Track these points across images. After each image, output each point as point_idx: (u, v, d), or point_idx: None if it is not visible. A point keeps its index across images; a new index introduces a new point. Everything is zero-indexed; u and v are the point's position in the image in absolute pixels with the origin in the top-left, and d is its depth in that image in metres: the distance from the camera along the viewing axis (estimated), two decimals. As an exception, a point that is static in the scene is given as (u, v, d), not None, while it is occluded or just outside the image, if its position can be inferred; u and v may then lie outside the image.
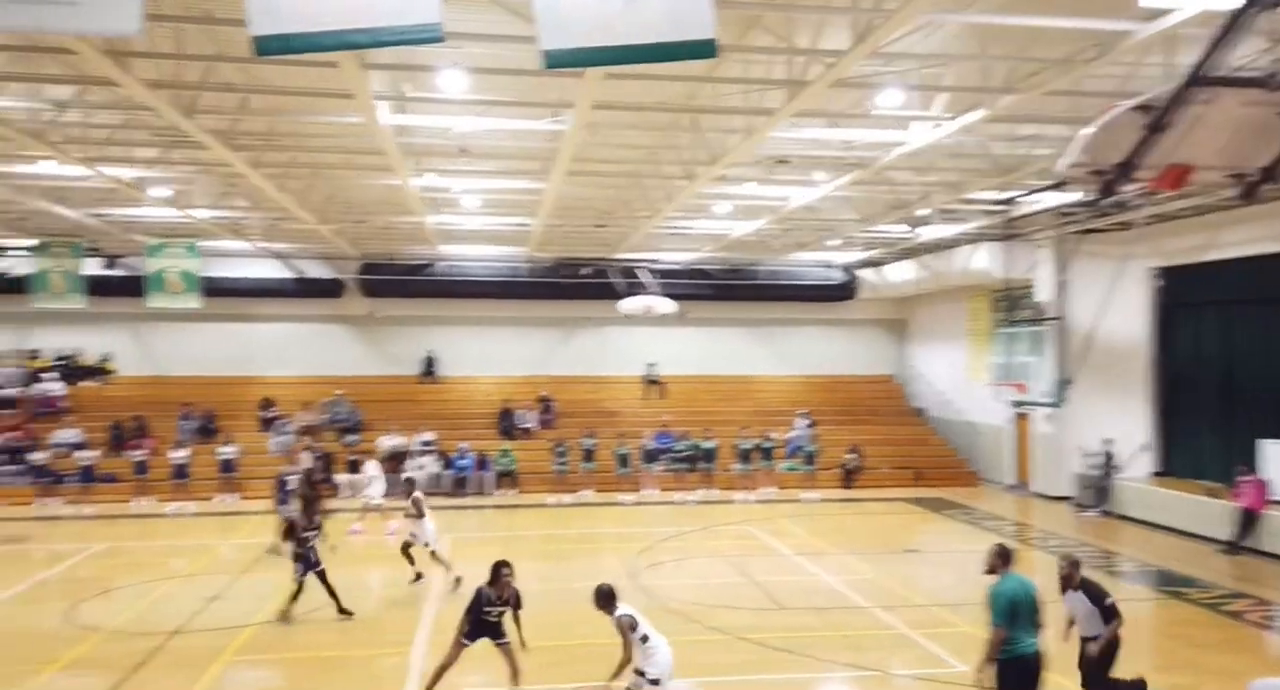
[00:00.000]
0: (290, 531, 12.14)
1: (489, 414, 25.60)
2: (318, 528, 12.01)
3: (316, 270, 25.98)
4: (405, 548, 13.96)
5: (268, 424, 24.22)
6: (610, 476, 23.27)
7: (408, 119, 12.07)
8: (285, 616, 11.63)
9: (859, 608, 12.60)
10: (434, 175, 15.52)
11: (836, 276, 28.14)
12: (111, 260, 23.33)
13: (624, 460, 23.38)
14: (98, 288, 22.08)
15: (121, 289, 22.92)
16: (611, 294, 25.80)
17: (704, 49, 5.04)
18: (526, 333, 27.70)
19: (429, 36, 4.89)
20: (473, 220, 20.22)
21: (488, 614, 8.49)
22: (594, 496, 22.61)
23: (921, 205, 17.68)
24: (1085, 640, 7.84)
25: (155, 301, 21.27)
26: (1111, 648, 7.76)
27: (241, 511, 20.25)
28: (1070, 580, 7.92)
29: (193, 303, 21.50)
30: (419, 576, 13.82)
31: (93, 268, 22.21)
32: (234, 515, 19.78)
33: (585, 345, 27.98)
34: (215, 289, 22.92)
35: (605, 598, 7.65)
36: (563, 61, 5.05)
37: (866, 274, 27.67)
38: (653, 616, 7.66)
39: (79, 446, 22.23)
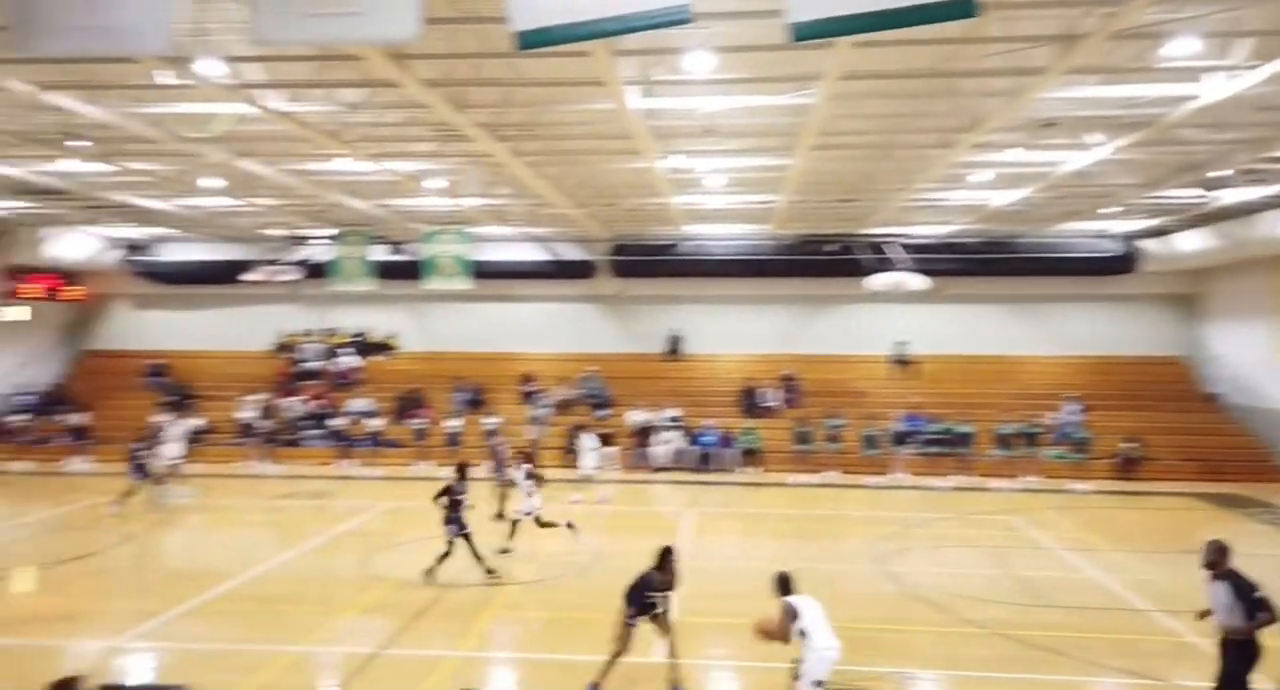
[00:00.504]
0: (446, 493, 12.48)
1: (732, 392, 25.82)
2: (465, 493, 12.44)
3: (571, 252, 27.28)
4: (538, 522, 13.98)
5: (527, 397, 25.87)
6: (855, 458, 22.76)
7: (655, 102, 12.31)
8: (430, 574, 12.29)
9: (1136, 610, 11.51)
10: (680, 156, 15.75)
11: (1113, 248, 25.55)
12: (395, 247, 25.75)
13: (872, 442, 22.73)
14: (384, 272, 24.49)
15: (403, 273, 25.28)
16: (858, 270, 25.06)
17: (963, 8, 4.72)
18: (770, 311, 27.58)
19: (678, 18, 4.94)
20: (717, 199, 20.35)
21: (650, 598, 8.68)
22: (838, 478, 22.21)
23: (1218, 166, 15.64)
24: (1226, 635, 7.17)
25: (431, 283, 23.32)
26: (1252, 647, 6.98)
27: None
28: (1215, 566, 7.24)
29: (464, 284, 23.35)
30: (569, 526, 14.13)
31: (380, 254, 24.62)
32: (574, 485, 21.16)
33: (831, 323, 27.42)
34: (483, 272, 24.70)
35: (781, 583, 7.84)
36: (811, 33, 4.92)
37: (1150, 245, 24.92)
38: (900, 605, 7.45)
39: (369, 415, 24.89)
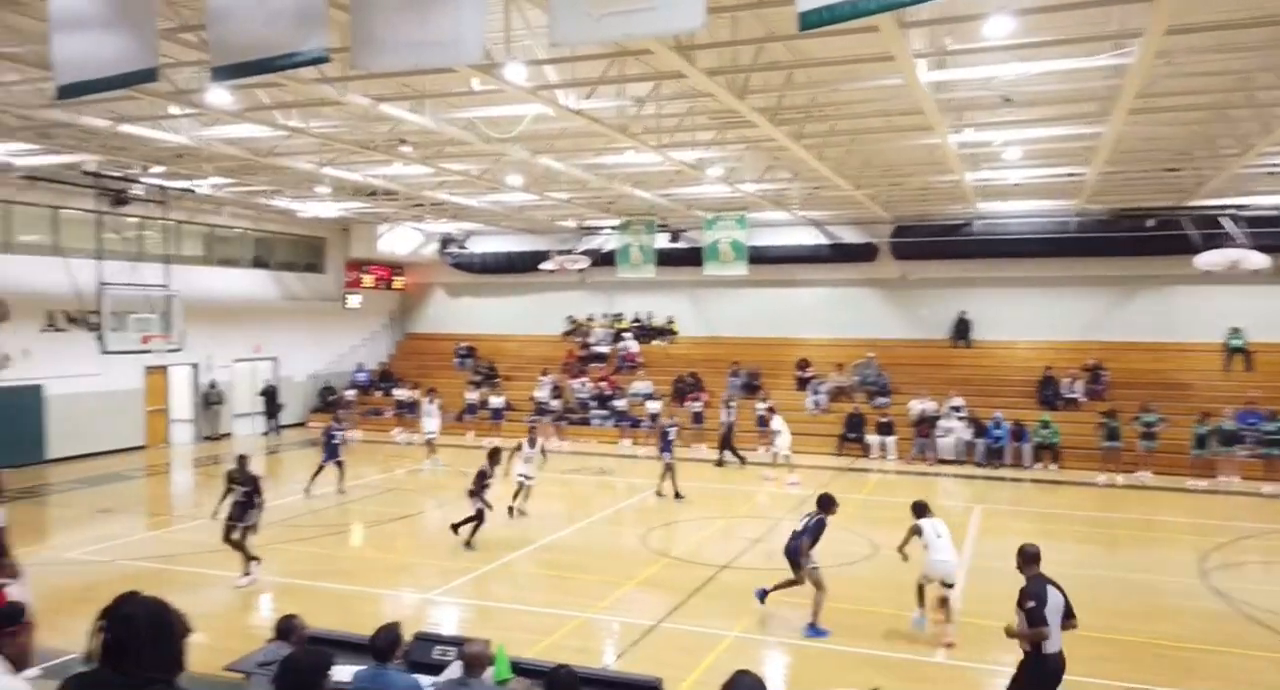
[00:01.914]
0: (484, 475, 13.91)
1: (1026, 381, 23.98)
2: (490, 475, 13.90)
3: (850, 235, 26.61)
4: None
5: (803, 383, 25.64)
6: (1173, 457, 20.27)
7: (947, 74, 11.64)
8: (469, 544, 13.49)
9: None
10: (972, 130, 14.81)
11: None
12: (675, 234, 26.51)
13: (1201, 441, 20.06)
14: (665, 259, 25.31)
15: (683, 259, 25.99)
16: (1183, 247, 22.26)
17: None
18: (1073, 294, 25.22)
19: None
20: (1015, 173, 18.91)
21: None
22: (1152, 479, 19.95)
23: None
24: None
25: (710, 269, 23.76)
26: None
27: (780, 464, 21.77)
28: None
29: (741, 270, 23.57)
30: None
31: (661, 242, 25.47)
32: (774, 466, 21.30)
33: (1147, 307, 24.57)
34: (760, 257, 24.80)
35: (916, 508, 9.36)
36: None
37: None
38: (1228, 625, 6.54)
39: (649, 397, 25.88)
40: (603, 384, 26.91)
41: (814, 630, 10.06)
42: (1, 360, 19.97)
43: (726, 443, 21.88)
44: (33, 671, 2.97)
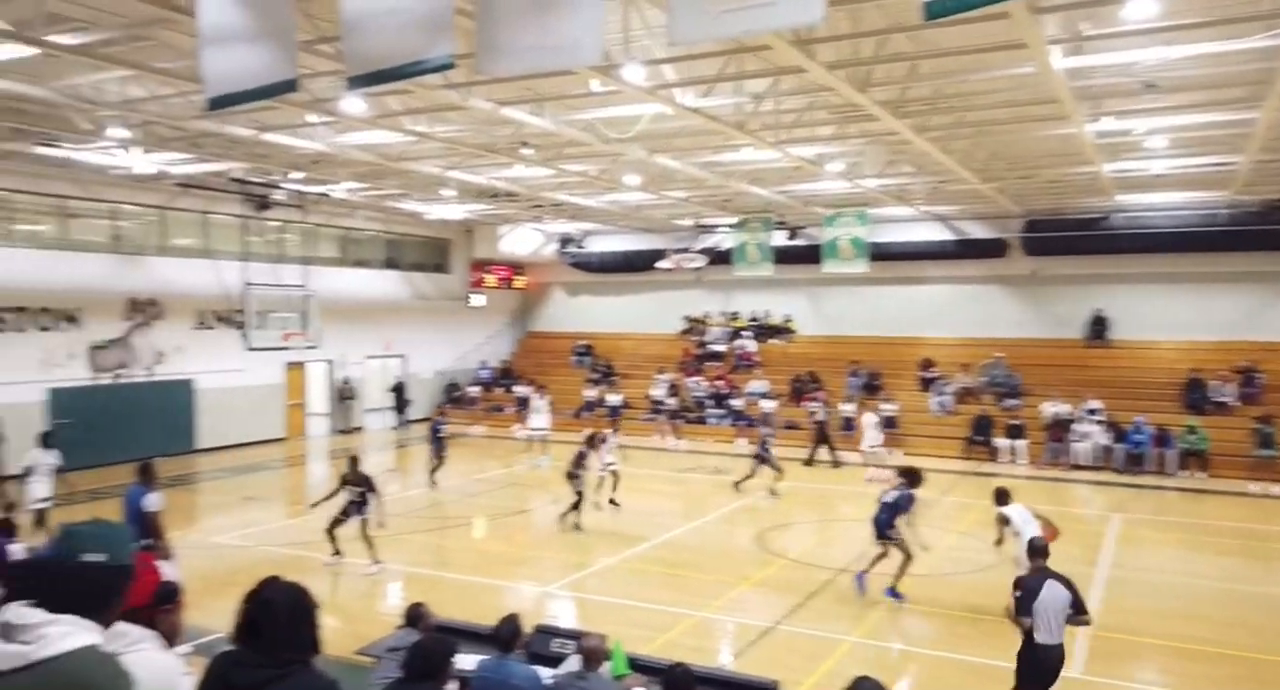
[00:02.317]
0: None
1: (1170, 383, 22.57)
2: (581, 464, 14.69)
3: (977, 230, 25.65)
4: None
5: (927, 384, 24.89)
6: (1340, 470, 18.71)
7: (1083, 60, 11.06)
8: (578, 526, 14.42)
9: None
10: (1111, 119, 14.03)
11: None
12: (793, 232, 26.14)
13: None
14: (782, 256, 24.99)
15: (801, 257, 25.60)
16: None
17: None
18: (1222, 290, 23.53)
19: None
20: (1158, 163, 17.82)
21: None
22: (1315, 492, 18.48)
23: None
24: None
25: (829, 267, 23.34)
26: None
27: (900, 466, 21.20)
28: None
29: (861, 267, 23.06)
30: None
31: (779, 239, 25.17)
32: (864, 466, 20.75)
33: (1306, 306, 22.76)
34: (880, 253, 24.19)
35: (998, 495, 9.75)
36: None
37: None
38: None
39: (765, 396, 25.61)
40: (719, 383, 26.82)
41: (893, 593, 10.91)
42: (157, 356, 21.49)
43: (822, 442, 21.64)
44: (183, 648, 3.17)
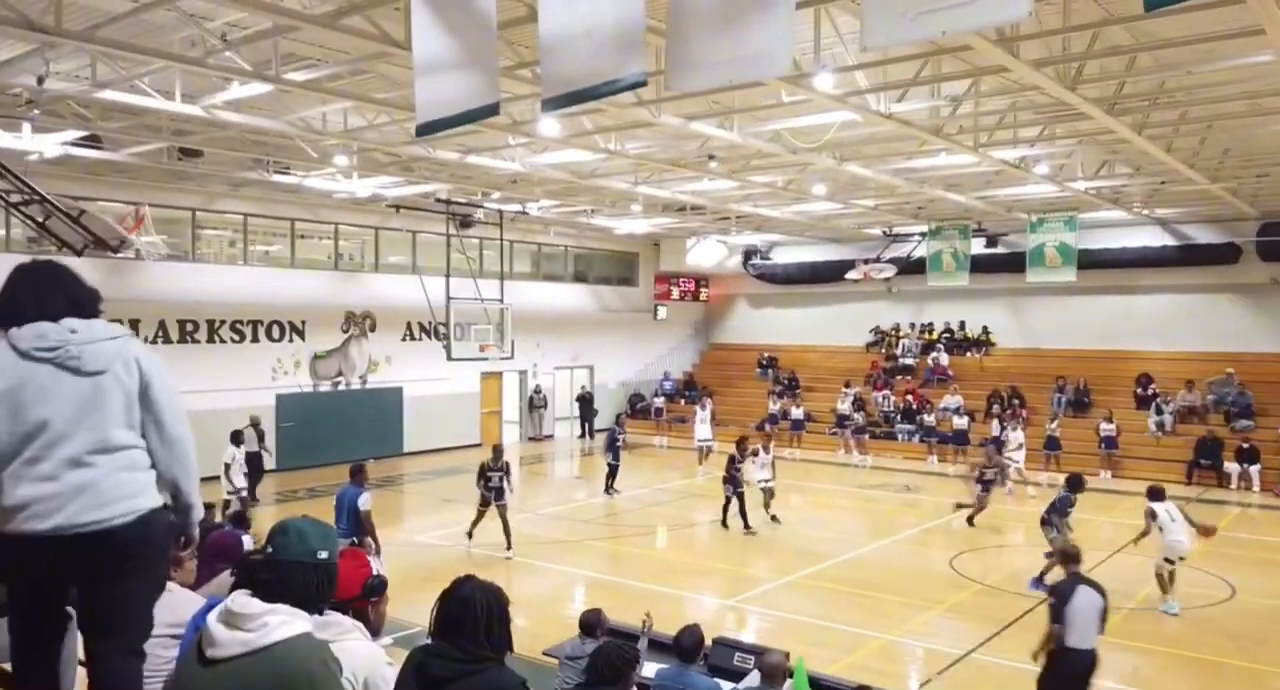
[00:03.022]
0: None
1: None
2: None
3: (1204, 235, 23.37)
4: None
5: (1144, 402, 22.91)
6: None
7: (1336, 43, 9.86)
8: (747, 527, 14.99)
9: None
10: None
11: None
12: (992, 239, 24.84)
13: None
14: (979, 265, 23.79)
15: (1000, 265, 24.28)
16: None
17: None
18: None
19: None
20: None
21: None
22: None
23: None
24: None
25: (1034, 276, 21.98)
26: None
27: (1115, 490, 19.62)
28: None
29: (1069, 276, 21.57)
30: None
31: (976, 247, 23.98)
32: (1110, 493, 19.25)
33: None
34: (1090, 261, 22.54)
35: (1151, 493, 10.19)
36: None
37: None
38: None
39: (958, 412, 24.37)
40: (909, 397, 25.83)
41: (1036, 584, 11.69)
42: (372, 365, 23.18)
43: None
44: (385, 640, 3.37)
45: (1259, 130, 14.18)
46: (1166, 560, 11.17)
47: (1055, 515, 12.43)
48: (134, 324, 18.92)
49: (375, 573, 3.11)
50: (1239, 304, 23.49)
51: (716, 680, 6.08)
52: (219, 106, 12.17)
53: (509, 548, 13.49)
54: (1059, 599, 7.21)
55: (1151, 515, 11.05)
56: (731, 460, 15.56)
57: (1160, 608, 11.14)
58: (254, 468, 16.78)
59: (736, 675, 6.34)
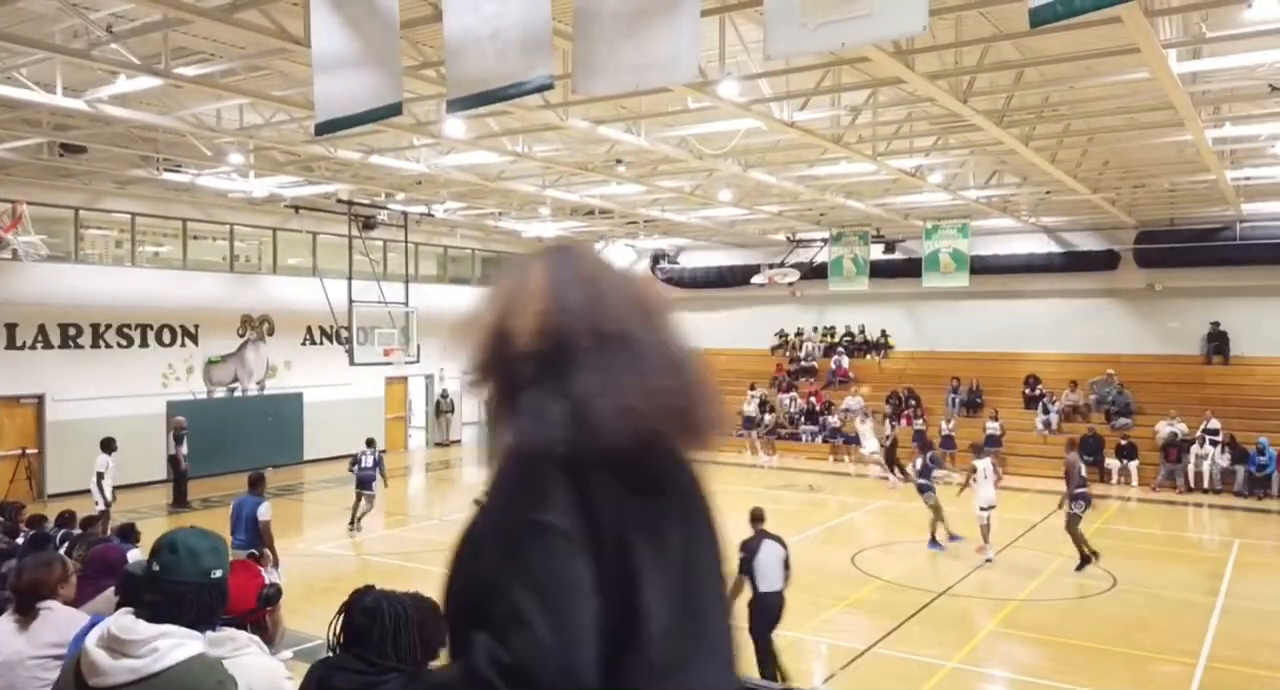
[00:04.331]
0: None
1: (1301, 404, 21.19)
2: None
3: (1087, 242, 24.66)
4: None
5: (1032, 402, 23.99)
6: None
7: (1202, 64, 10.55)
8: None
9: None
10: (1232, 124, 13.35)
11: None
12: (890, 245, 25.63)
13: None
14: (878, 270, 24.50)
15: (899, 271, 25.06)
16: None
17: None
18: (1360, 306, 22.02)
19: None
20: (1284, 171, 16.85)
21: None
22: None
23: None
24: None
25: (929, 281, 22.76)
26: None
27: (1004, 487, 20.44)
28: None
29: (962, 281, 22.41)
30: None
31: (875, 253, 24.70)
32: (999, 489, 20.01)
33: None
34: (982, 267, 23.48)
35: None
36: None
37: None
38: None
39: (860, 413, 24.99)
40: (812, 398, 26.42)
41: (932, 544, 14.41)
42: (270, 370, 22.43)
43: (890, 459, 21.43)
44: (285, 653, 3.27)
45: (1135, 144, 15.04)
46: (981, 509, 13.63)
47: (926, 479, 14.57)
48: (11, 328, 17.89)
49: (268, 582, 3.02)
50: (1118, 308, 24.85)
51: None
52: (104, 101, 11.61)
53: (351, 525, 14.96)
54: (747, 553, 8.24)
55: (973, 469, 13.88)
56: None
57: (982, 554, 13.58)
58: (178, 472, 17.37)
59: None
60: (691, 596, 1.36)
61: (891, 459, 21.41)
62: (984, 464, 14.01)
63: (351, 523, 15.30)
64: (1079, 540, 12.96)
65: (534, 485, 1.28)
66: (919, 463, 14.99)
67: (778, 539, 8.51)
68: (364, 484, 15.13)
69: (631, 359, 1.35)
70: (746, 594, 8.15)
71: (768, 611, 8.23)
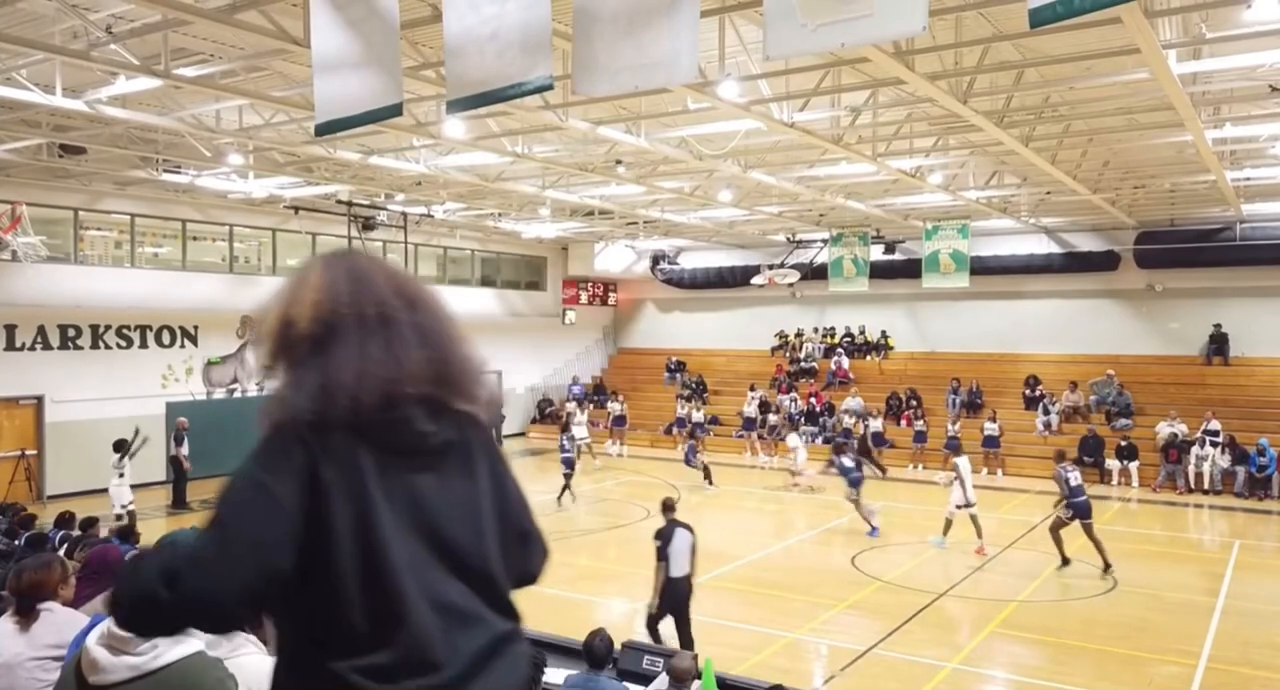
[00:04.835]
0: None
1: (1300, 405, 21.18)
2: None
3: (1087, 243, 24.66)
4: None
5: (1032, 403, 23.98)
6: None
7: (1202, 64, 10.54)
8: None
9: None
10: (1232, 124, 13.34)
11: None
12: (890, 246, 25.62)
13: None
14: (878, 271, 24.51)
15: (899, 271, 25.06)
16: None
17: None
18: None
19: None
20: (1285, 172, 16.85)
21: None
22: None
23: None
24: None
25: (929, 282, 22.76)
26: None
27: (1004, 488, 20.48)
28: None
29: (963, 282, 22.42)
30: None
31: (875, 253, 24.70)
32: (996, 490, 20.09)
33: None
34: (982, 267, 23.49)
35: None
36: None
37: None
38: None
39: (861, 414, 24.99)
40: (812, 399, 26.40)
41: (873, 533, 15.30)
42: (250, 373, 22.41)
43: (865, 454, 21.55)
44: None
45: (1135, 144, 15.04)
46: (957, 508, 14.17)
47: (850, 479, 15.67)
48: (10, 329, 17.88)
49: None
50: (1118, 309, 24.85)
51: (626, 684, 6.09)
52: (104, 101, 11.60)
53: None
54: (663, 540, 8.97)
55: (955, 468, 14.37)
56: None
57: (930, 540, 14.66)
58: (178, 472, 17.53)
59: (646, 679, 6.36)
60: (438, 539, 1.56)
61: (866, 453, 21.72)
62: (963, 461, 14.45)
63: None
64: (1058, 542, 13.13)
65: (267, 450, 1.54)
66: (845, 459, 16.06)
67: (687, 527, 9.17)
68: None
69: (388, 336, 1.58)
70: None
71: (678, 593, 8.98)
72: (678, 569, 8.96)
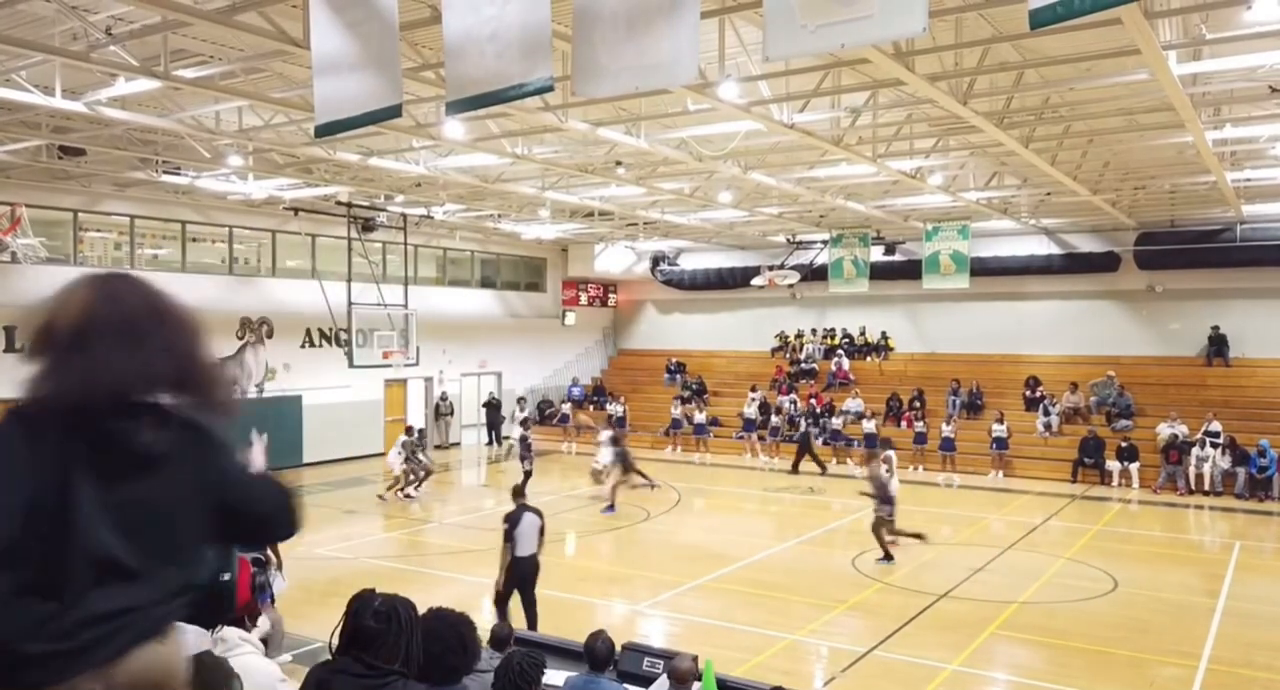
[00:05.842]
0: None
1: (1300, 406, 21.17)
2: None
3: (1087, 244, 24.65)
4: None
5: (1033, 403, 23.97)
6: None
7: (1202, 65, 10.54)
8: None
9: None
10: (1232, 125, 13.34)
11: None
12: (890, 247, 25.61)
13: None
14: (878, 272, 24.48)
15: (899, 272, 25.04)
16: None
17: None
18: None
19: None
20: (1285, 173, 16.84)
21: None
22: None
23: None
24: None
25: (930, 283, 22.75)
26: None
27: (1005, 488, 20.47)
28: None
29: (962, 283, 22.41)
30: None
31: (875, 255, 24.68)
32: (997, 491, 20.09)
33: None
34: (982, 268, 23.48)
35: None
36: None
37: None
38: None
39: (861, 416, 25.02)
40: (813, 401, 26.39)
41: (609, 510, 16.75)
42: (269, 373, 22.41)
43: (805, 450, 22.46)
44: (284, 657, 3.26)
45: (1135, 145, 15.03)
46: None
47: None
48: (9, 331, 17.86)
49: (254, 571, 3.02)
50: (1118, 310, 24.84)
51: (626, 686, 6.07)
52: (103, 103, 11.60)
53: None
54: (510, 523, 9.66)
55: (887, 460, 14.14)
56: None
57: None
58: None
59: (646, 680, 6.34)
60: (126, 526, 1.74)
61: (809, 452, 22.61)
62: (892, 454, 14.89)
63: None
64: (881, 541, 13.66)
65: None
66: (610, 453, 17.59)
67: (536, 511, 9.86)
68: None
69: (126, 346, 1.78)
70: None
71: (524, 571, 9.69)
72: (524, 549, 9.63)
